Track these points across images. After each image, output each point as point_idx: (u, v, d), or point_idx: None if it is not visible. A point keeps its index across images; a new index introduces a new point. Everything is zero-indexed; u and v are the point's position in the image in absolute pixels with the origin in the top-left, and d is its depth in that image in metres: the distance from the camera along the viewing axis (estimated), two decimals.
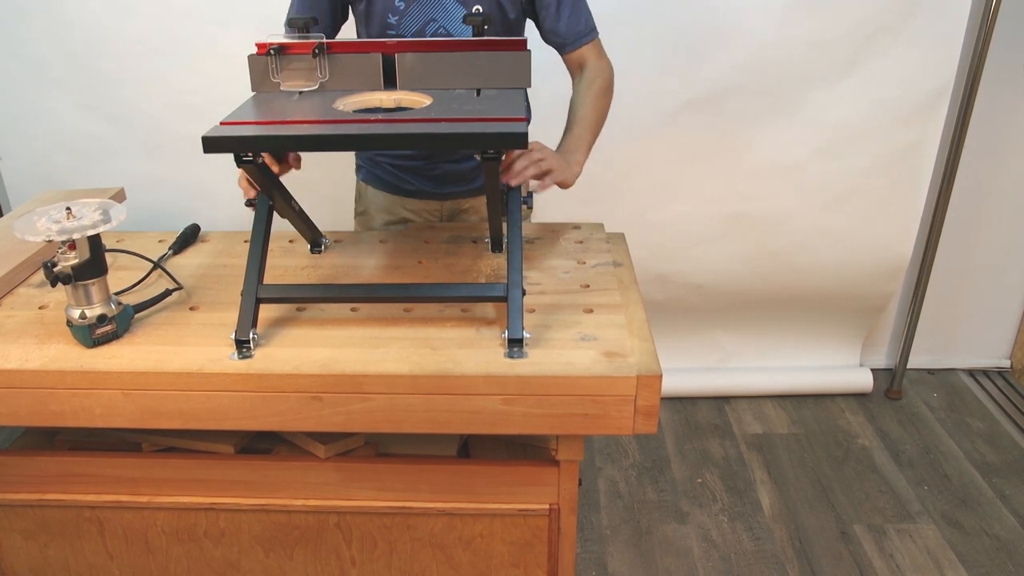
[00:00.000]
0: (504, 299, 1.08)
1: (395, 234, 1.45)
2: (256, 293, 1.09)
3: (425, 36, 1.37)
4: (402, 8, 1.36)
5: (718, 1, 1.94)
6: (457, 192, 1.56)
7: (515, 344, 1.05)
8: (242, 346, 1.06)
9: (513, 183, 1.17)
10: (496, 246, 1.35)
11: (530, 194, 1.25)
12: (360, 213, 1.65)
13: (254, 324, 1.08)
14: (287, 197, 1.17)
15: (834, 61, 2.00)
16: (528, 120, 1.23)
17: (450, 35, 1.38)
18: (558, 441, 1.11)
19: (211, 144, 0.97)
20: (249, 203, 1.18)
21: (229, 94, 2.00)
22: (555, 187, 1.26)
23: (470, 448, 1.24)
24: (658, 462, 2.19)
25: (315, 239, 1.36)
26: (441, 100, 1.13)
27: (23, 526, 1.23)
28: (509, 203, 1.17)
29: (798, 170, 2.14)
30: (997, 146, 2.26)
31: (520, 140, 0.97)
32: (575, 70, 1.45)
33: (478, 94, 1.17)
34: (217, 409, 1.04)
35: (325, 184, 2.13)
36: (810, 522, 1.97)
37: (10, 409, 1.05)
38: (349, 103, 1.15)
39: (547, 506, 1.17)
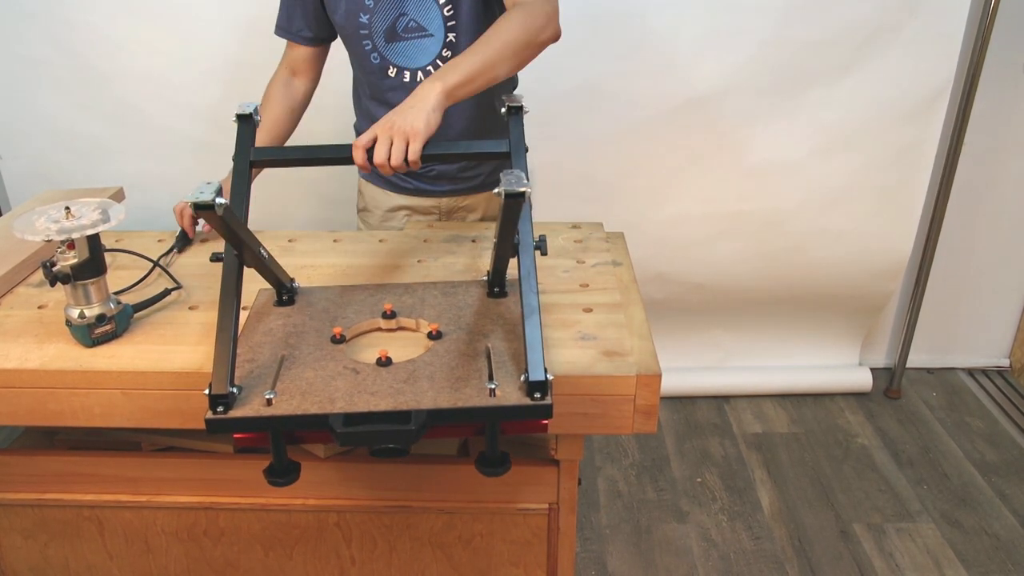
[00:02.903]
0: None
1: (395, 234, 1.45)
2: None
3: (397, 31, 1.34)
4: (371, 6, 1.32)
5: (718, 1, 1.94)
6: (452, 190, 1.56)
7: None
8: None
9: (386, 172, 1.05)
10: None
11: (543, 237, 1.10)
12: (362, 209, 1.65)
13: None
14: (255, 244, 0.99)
15: (834, 61, 2.00)
16: None
17: (421, 27, 1.33)
18: (557, 440, 1.11)
19: (215, 426, 0.88)
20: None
21: (228, 94, 2.03)
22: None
23: (470, 447, 1.24)
24: (658, 461, 2.19)
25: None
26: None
27: (23, 526, 1.23)
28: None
29: (798, 170, 2.14)
30: (997, 146, 2.26)
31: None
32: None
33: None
34: None
35: (326, 184, 2.13)
36: (810, 521, 1.98)
37: (9, 408, 1.05)
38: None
39: (547, 505, 1.17)
